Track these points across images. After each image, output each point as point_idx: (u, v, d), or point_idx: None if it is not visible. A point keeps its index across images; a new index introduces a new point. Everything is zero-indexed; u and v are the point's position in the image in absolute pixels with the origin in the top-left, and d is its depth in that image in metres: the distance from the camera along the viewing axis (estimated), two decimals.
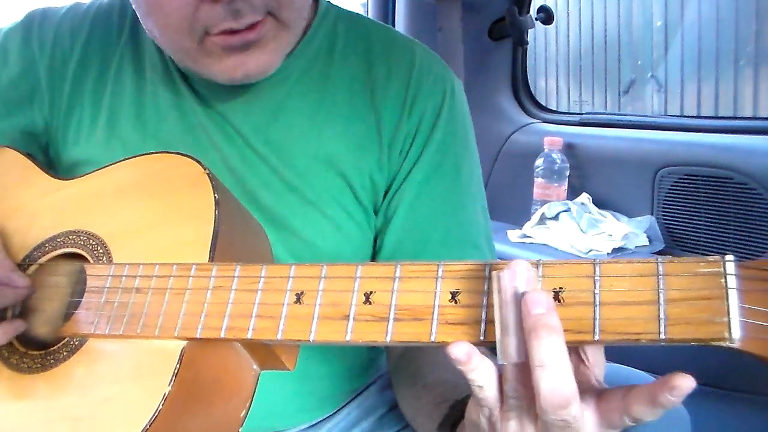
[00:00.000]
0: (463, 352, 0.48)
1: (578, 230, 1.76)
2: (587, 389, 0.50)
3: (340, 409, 0.96)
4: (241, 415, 0.67)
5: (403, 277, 0.54)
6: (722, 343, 0.43)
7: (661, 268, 0.47)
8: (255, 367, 0.67)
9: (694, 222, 1.69)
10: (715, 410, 1.56)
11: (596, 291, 0.48)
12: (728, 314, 0.44)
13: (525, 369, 0.48)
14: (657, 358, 1.39)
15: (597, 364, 0.52)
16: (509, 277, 0.49)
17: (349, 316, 0.55)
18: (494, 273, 0.50)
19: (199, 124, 0.86)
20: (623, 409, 0.48)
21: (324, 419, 0.94)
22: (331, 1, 0.95)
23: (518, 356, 0.48)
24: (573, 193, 1.92)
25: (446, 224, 0.87)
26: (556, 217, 1.82)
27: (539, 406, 0.47)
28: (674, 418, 0.78)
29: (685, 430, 0.79)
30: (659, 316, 0.45)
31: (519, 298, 0.48)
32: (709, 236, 1.67)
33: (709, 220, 1.66)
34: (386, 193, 0.88)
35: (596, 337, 0.47)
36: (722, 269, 0.45)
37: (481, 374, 0.50)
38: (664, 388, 0.44)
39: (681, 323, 0.45)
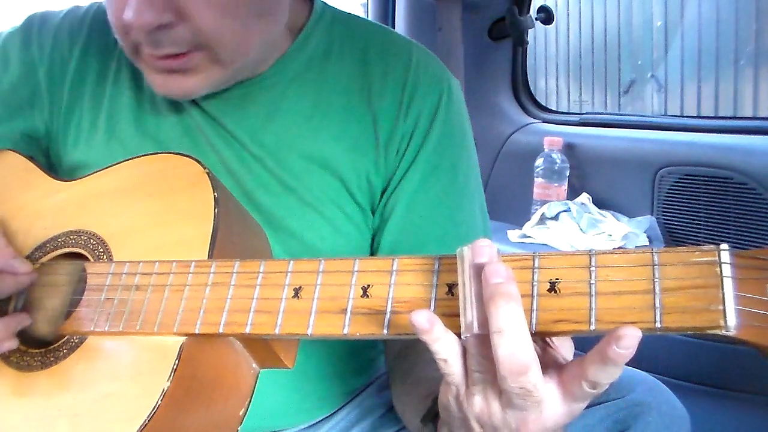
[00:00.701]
0: (425, 320, 0.49)
1: (578, 230, 1.76)
2: (553, 366, 0.52)
3: (339, 409, 0.96)
4: (240, 413, 0.67)
5: (401, 271, 0.55)
6: (718, 331, 0.44)
7: (656, 258, 0.47)
8: (254, 365, 0.67)
9: (694, 222, 1.69)
10: (715, 410, 1.56)
11: (592, 281, 0.48)
12: (723, 302, 0.44)
13: (487, 341, 0.49)
14: (657, 358, 1.39)
15: (562, 345, 0.54)
16: (471, 253, 0.50)
17: (346, 309, 0.55)
18: (458, 250, 0.51)
19: (196, 126, 0.87)
20: (581, 375, 0.49)
21: (323, 419, 0.94)
22: (331, 1, 0.95)
23: (479, 328, 0.49)
24: (573, 193, 1.92)
25: (443, 224, 0.87)
26: (556, 217, 1.82)
27: (499, 373, 0.48)
28: (674, 418, 0.78)
29: (685, 430, 0.79)
30: (655, 305, 0.46)
31: (480, 273, 0.49)
32: (709, 236, 1.67)
33: (709, 219, 1.66)
34: (383, 193, 0.88)
35: (592, 327, 0.47)
36: (717, 258, 0.45)
37: (444, 346, 0.51)
38: (611, 340, 0.45)
39: (676, 312, 0.45)
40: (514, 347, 0.47)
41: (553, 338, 0.53)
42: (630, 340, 0.44)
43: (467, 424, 0.55)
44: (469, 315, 0.49)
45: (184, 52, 0.75)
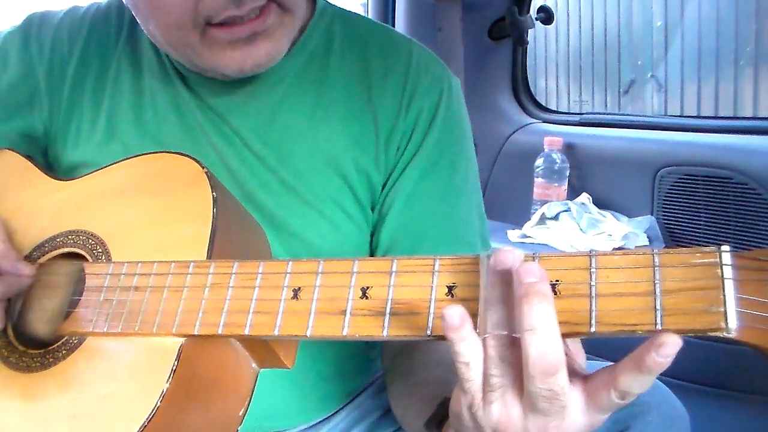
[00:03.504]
0: (457, 315, 0.48)
1: (578, 230, 1.76)
2: (573, 374, 0.50)
3: (338, 411, 0.96)
4: (240, 414, 0.67)
5: (400, 272, 0.55)
6: (719, 333, 0.43)
7: (656, 260, 0.47)
8: (254, 365, 0.67)
9: (694, 222, 1.69)
10: (715, 410, 1.55)
11: (592, 283, 0.48)
12: (724, 304, 0.44)
13: (507, 343, 0.49)
14: None
15: (578, 354, 0.53)
16: (498, 258, 0.50)
17: (345, 310, 0.55)
18: (482, 255, 0.51)
19: (197, 125, 0.87)
20: (610, 383, 0.47)
21: (323, 420, 0.94)
22: (331, 1, 0.95)
23: (499, 328, 0.48)
24: (573, 193, 1.92)
25: (441, 222, 0.87)
26: (556, 217, 1.82)
27: (527, 373, 0.47)
28: (674, 418, 0.78)
29: (685, 430, 0.79)
30: (655, 306, 0.46)
31: (505, 276, 0.49)
32: (709, 236, 1.66)
33: (709, 219, 1.66)
34: (382, 189, 0.88)
35: (592, 329, 0.47)
36: (718, 259, 0.45)
37: (469, 347, 0.49)
38: (651, 347, 0.44)
39: (677, 314, 0.45)
40: (546, 346, 0.46)
41: (569, 346, 0.52)
42: (672, 347, 0.43)
43: None
44: (490, 317, 0.49)
45: (262, 5, 0.75)
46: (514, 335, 0.48)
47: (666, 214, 1.75)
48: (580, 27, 3.19)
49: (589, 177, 1.93)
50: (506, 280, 0.49)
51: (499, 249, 0.50)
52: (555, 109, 2.38)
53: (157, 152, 0.77)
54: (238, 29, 0.75)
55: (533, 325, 0.46)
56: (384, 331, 0.53)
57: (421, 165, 0.87)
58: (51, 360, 0.68)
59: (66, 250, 0.75)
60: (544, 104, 2.25)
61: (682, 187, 1.70)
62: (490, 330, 0.49)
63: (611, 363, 0.49)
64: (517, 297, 0.47)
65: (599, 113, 2.24)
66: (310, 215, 0.85)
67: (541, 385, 0.47)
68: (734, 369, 1.51)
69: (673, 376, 1.66)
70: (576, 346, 0.52)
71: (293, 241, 0.85)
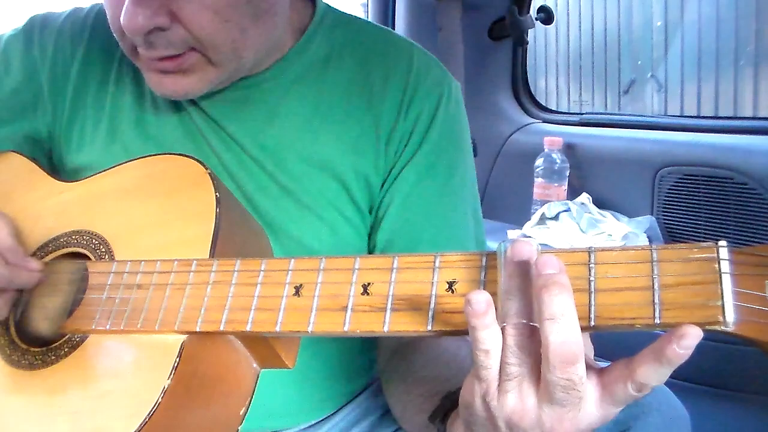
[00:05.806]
0: (484, 301, 0.47)
1: (578, 230, 1.76)
2: (587, 367, 0.50)
3: (339, 410, 0.96)
4: (241, 413, 0.67)
5: (401, 268, 0.55)
6: (716, 327, 0.44)
7: (655, 255, 0.47)
8: (255, 365, 0.67)
9: (694, 222, 1.69)
10: (715, 410, 1.55)
11: (591, 278, 0.49)
12: (722, 298, 0.44)
13: (526, 333, 0.48)
14: None
15: (588, 348, 0.53)
16: (516, 249, 0.50)
17: (347, 307, 0.55)
18: (500, 245, 0.51)
19: (197, 129, 0.87)
20: (628, 375, 0.47)
21: (323, 419, 0.95)
22: (331, 1, 0.95)
23: (518, 317, 0.48)
24: (573, 193, 1.92)
25: (437, 224, 0.87)
26: (556, 217, 1.82)
27: (547, 362, 0.47)
28: (674, 418, 0.78)
29: (685, 430, 0.79)
30: (654, 301, 0.46)
31: (524, 268, 0.49)
32: (710, 236, 1.66)
33: (709, 219, 1.66)
34: (380, 190, 0.88)
35: (592, 323, 0.47)
36: (716, 254, 0.45)
37: (490, 335, 0.49)
38: (672, 338, 0.44)
39: (675, 308, 0.45)
40: (566, 335, 0.46)
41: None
42: (692, 339, 0.43)
43: (494, 423, 0.52)
44: (510, 306, 0.49)
45: (179, 54, 0.75)
46: (532, 324, 0.48)
47: (666, 214, 1.75)
48: (580, 27, 3.19)
49: (589, 177, 1.93)
50: (524, 270, 0.49)
51: (516, 240, 0.50)
52: (555, 109, 2.38)
53: (161, 154, 0.77)
54: (152, 63, 0.77)
55: (554, 314, 0.46)
56: (385, 326, 0.53)
57: (418, 167, 0.87)
58: (53, 358, 0.68)
59: (69, 249, 0.75)
60: (544, 104, 2.25)
61: (682, 187, 1.70)
62: (509, 319, 0.49)
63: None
64: (536, 287, 0.47)
65: (599, 113, 2.24)
66: (308, 219, 0.85)
67: (560, 374, 0.47)
68: (734, 369, 1.51)
69: (673, 376, 1.65)
70: (586, 340, 0.52)
71: (291, 244, 0.85)
